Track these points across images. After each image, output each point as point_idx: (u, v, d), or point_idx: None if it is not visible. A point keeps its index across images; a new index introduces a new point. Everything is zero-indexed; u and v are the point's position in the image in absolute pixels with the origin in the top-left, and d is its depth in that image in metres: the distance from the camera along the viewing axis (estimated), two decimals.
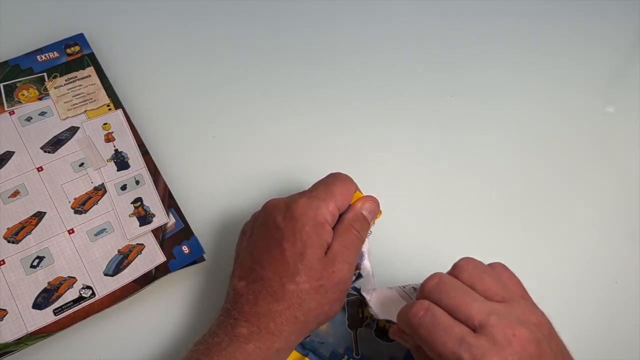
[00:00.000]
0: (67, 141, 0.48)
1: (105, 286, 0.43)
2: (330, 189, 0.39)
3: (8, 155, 0.46)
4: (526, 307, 0.34)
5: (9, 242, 0.43)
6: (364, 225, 0.40)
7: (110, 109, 0.50)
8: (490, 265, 0.36)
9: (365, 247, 0.41)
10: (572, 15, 0.60)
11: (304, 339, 0.41)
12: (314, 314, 0.37)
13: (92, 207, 0.46)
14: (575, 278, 0.47)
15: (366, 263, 0.42)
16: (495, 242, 0.45)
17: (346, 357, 0.41)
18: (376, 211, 0.42)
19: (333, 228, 0.39)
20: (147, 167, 0.48)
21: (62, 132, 0.48)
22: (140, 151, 0.48)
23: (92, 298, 0.42)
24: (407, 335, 0.36)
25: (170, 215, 0.46)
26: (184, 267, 0.44)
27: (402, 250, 0.46)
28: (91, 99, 0.50)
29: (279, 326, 0.36)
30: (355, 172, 0.42)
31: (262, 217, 0.40)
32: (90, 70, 0.51)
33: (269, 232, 0.38)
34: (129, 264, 0.44)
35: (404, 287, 0.41)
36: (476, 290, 0.34)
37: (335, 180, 0.40)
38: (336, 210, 0.39)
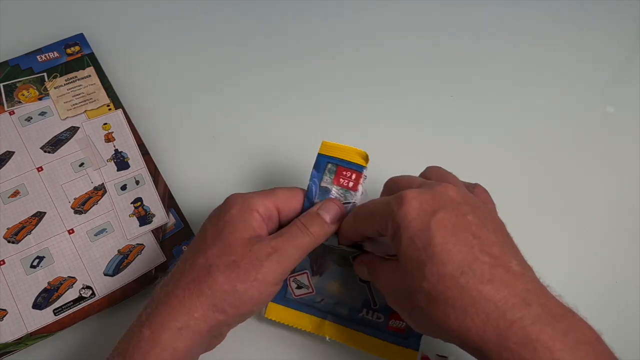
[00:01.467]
0: (67, 141, 0.48)
1: (105, 286, 0.43)
2: (272, 190, 0.38)
3: (8, 155, 0.46)
4: (478, 200, 0.35)
5: (9, 242, 0.43)
6: (316, 221, 0.37)
7: (110, 109, 0.50)
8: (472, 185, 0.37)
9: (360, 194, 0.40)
10: (572, 15, 0.60)
11: (318, 302, 0.41)
12: (222, 289, 0.33)
13: (92, 207, 0.46)
14: (575, 278, 0.47)
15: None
16: None
17: (365, 310, 0.40)
18: (339, 211, 0.38)
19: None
20: (147, 167, 0.48)
21: (62, 132, 0.48)
22: (140, 151, 0.48)
23: (92, 298, 0.42)
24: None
25: (170, 215, 0.46)
26: None
27: None
28: (91, 99, 0.50)
29: (181, 300, 0.33)
30: None
31: None
32: (90, 70, 0.51)
33: (203, 225, 0.38)
34: (129, 264, 0.44)
35: None
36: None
37: (282, 187, 0.39)
38: (273, 207, 0.37)
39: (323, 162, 0.41)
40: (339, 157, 0.40)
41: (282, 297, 0.41)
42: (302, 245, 0.36)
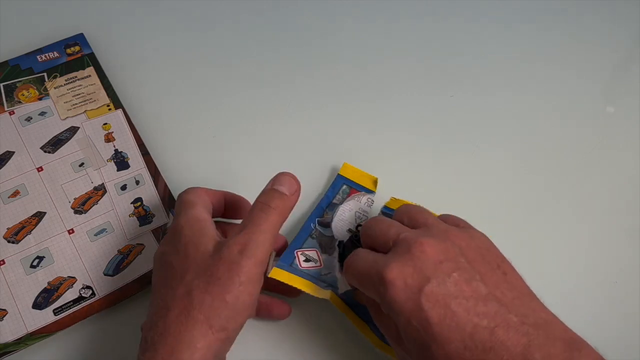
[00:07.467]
0: (67, 141, 0.48)
1: (105, 286, 0.43)
2: (181, 200, 0.39)
3: (8, 155, 0.46)
4: (451, 229, 0.35)
5: (9, 242, 0.43)
6: (275, 196, 0.36)
7: (110, 109, 0.50)
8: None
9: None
10: (571, 15, 0.60)
11: (325, 275, 0.41)
12: (213, 307, 0.33)
13: (92, 207, 0.46)
14: (574, 278, 0.47)
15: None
16: (494, 241, 0.45)
17: None
18: (294, 183, 0.37)
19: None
20: (147, 167, 0.48)
21: (62, 132, 0.48)
22: (140, 151, 0.48)
23: (92, 298, 0.42)
24: (360, 294, 0.38)
25: (171, 215, 0.46)
26: None
27: None
28: (91, 99, 0.50)
29: (177, 336, 0.32)
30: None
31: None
32: (90, 70, 0.51)
33: (161, 261, 0.37)
34: (129, 264, 0.44)
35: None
36: (404, 223, 0.37)
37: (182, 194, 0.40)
38: (209, 204, 0.38)
39: (340, 182, 0.47)
40: (354, 180, 0.47)
41: (288, 265, 0.40)
42: (269, 225, 0.35)
